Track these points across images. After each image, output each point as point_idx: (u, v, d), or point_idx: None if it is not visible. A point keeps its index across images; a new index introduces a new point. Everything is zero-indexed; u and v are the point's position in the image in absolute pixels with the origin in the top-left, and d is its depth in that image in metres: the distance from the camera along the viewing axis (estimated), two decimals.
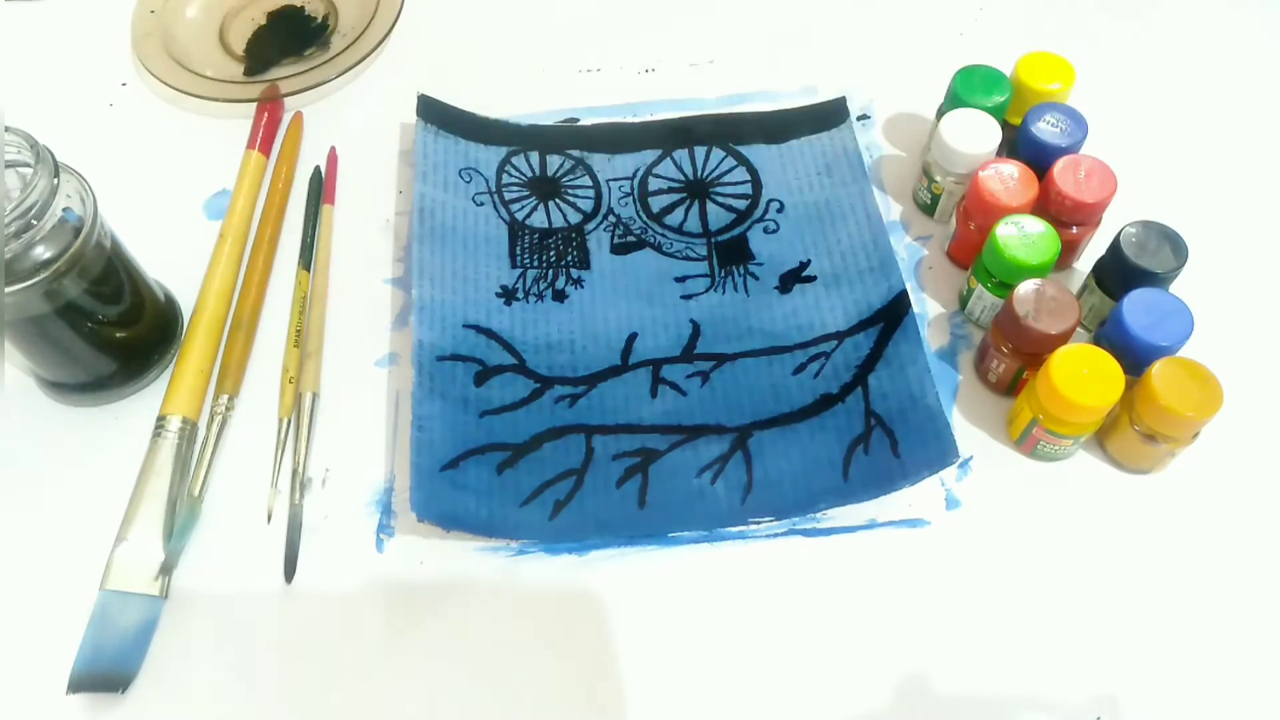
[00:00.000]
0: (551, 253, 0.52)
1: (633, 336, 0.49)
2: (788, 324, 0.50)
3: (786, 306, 0.50)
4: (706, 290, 0.51)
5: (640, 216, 0.54)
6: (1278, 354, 0.49)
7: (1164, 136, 0.57)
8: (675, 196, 0.55)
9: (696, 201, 0.55)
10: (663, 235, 0.53)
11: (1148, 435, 0.43)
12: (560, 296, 0.51)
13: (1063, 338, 0.44)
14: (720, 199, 0.55)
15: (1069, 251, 0.50)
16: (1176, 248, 0.45)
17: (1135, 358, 0.43)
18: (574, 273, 0.52)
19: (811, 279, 0.51)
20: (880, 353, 0.48)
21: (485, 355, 0.48)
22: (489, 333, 0.49)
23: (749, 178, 0.55)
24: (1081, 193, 0.47)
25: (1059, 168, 0.47)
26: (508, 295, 0.51)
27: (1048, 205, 0.48)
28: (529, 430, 0.46)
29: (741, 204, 0.54)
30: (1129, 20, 0.63)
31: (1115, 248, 0.46)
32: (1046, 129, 0.50)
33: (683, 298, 0.51)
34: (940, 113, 0.54)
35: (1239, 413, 0.43)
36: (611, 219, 0.54)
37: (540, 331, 0.49)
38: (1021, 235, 0.46)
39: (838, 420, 0.46)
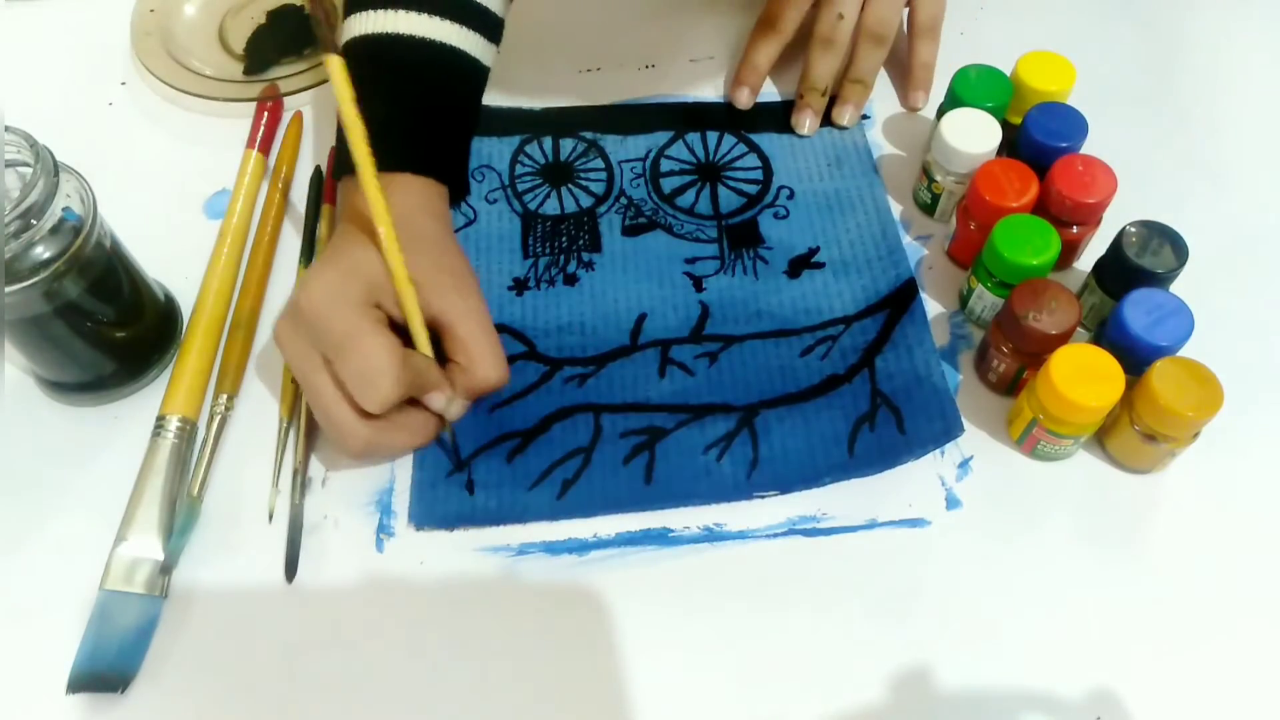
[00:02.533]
0: (563, 238, 0.53)
1: (642, 317, 0.50)
2: (796, 308, 0.50)
3: (795, 291, 0.51)
4: (716, 272, 0.52)
5: (652, 198, 0.55)
6: (1278, 354, 0.49)
7: (1164, 136, 0.57)
8: (687, 178, 0.55)
9: (708, 184, 0.55)
10: (673, 216, 0.54)
11: (1148, 435, 0.43)
12: (571, 280, 0.51)
13: (1063, 338, 0.44)
14: (731, 183, 0.55)
15: (1069, 251, 0.50)
16: (1176, 248, 0.45)
17: (1135, 358, 0.43)
18: (585, 256, 0.52)
19: (820, 265, 0.52)
20: (888, 336, 0.48)
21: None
22: (500, 327, 0.49)
23: (760, 164, 0.56)
24: (1081, 193, 0.47)
25: (1059, 168, 0.47)
26: (519, 286, 0.51)
27: (1048, 205, 0.48)
28: (539, 413, 0.47)
29: (752, 189, 0.55)
30: (1129, 20, 0.63)
31: (1115, 248, 0.46)
32: (1047, 129, 0.49)
33: (692, 279, 0.51)
34: (940, 113, 0.54)
35: (1239, 413, 0.43)
36: (623, 200, 0.55)
37: (551, 316, 0.50)
38: (1021, 235, 0.46)
39: (844, 399, 0.47)
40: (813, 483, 0.44)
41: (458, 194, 0.51)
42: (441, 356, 0.44)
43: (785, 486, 0.44)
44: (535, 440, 0.46)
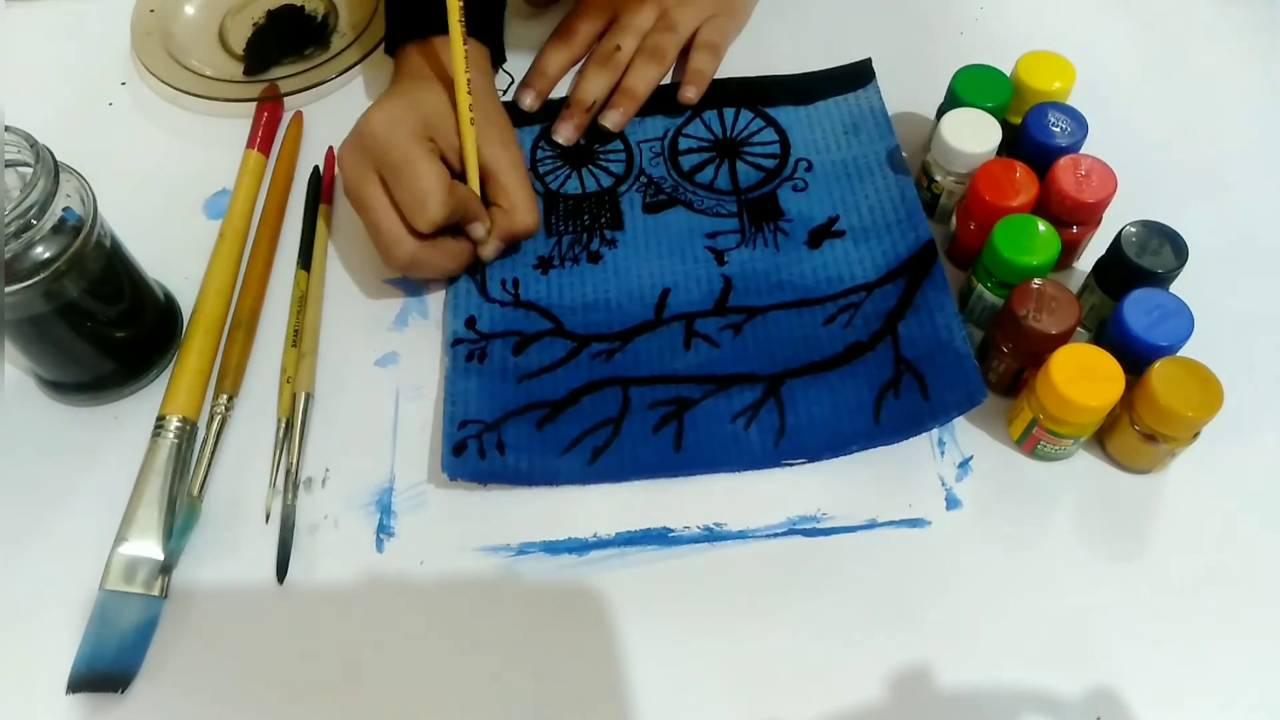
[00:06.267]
0: (585, 216, 0.54)
1: (665, 291, 0.51)
2: (817, 277, 0.51)
3: (816, 260, 0.51)
4: (737, 246, 0.52)
5: (671, 175, 0.55)
6: (1278, 354, 0.49)
7: (1164, 136, 0.57)
8: (705, 155, 0.56)
9: (726, 161, 0.56)
10: (693, 192, 0.54)
11: (1148, 435, 0.43)
12: (595, 258, 0.52)
13: (1063, 338, 0.44)
14: (749, 158, 0.56)
15: (1069, 251, 0.50)
16: (1176, 248, 0.45)
17: (1135, 358, 0.43)
18: (608, 233, 0.53)
19: (840, 234, 0.52)
20: (910, 301, 0.49)
21: (523, 326, 0.49)
22: (527, 304, 0.50)
23: (777, 138, 0.56)
24: (1081, 193, 0.47)
25: (1059, 168, 0.47)
26: (544, 264, 0.52)
27: (1048, 205, 0.48)
28: (568, 386, 0.47)
29: (770, 163, 0.55)
30: (1129, 20, 0.63)
31: (1115, 248, 0.46)
32: (1047, 129, 0.50)
33: (714, 253, 0.52)
34: (940, 113, 0.54)
35: (1239, 413, 0.43)
36: (643, 179, 0.55)
37: (576, 293, 0.51)
38: (1021, 235, 0.46)
39: (868, 367, 0.47)
40: (840, 450, 0.45)
41: (497, 60, 0.56)
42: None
43: (813, 454, 0.45)
44: (565, 411, 0.47)
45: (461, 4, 0.46)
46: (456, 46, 0.47)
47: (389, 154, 0.45)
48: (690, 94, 0.58)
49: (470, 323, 0.49)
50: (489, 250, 0.49)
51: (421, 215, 0.45)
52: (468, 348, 0.48)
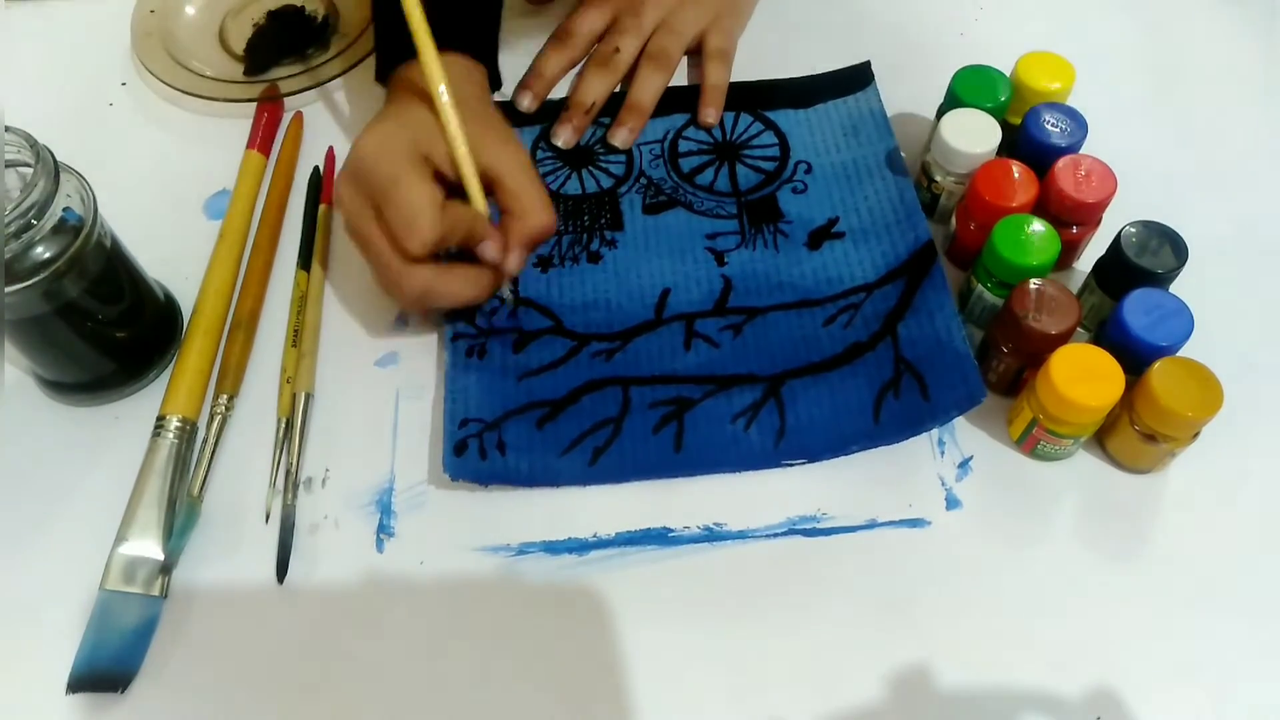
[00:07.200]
0: (585, 217, 0.54)
1: (665, 292, 0.51)
2: (817, 278, 0.51)
3: (816, 262, 0.51)
4: (737, 247, 0.52)
5: (671, 176, 0.55)
6: (1278, 354, 0.49)
7: (1164, 136, 0.57)
8: (705, 158, 0.56)
9: (726, 163, 0.56)
10: (693, 194, 0.55)
11: (1148, 435, 0.43)
12: (595, 258, 0.52)
13: (1063, 338, 0.44)
14: (749, 161, 0.56)
15: (1069, 251, 0.50)
16: (1176, 248, 0.45)
17: (1135, 358, 0.43)
18: (607, 234, 0.53)
19: (840, 235, 0.52)
20: (909, 302, 0.49)
21: (522, 323, 0.49)
22: (526, 301, 0.50)
23: (776, 141, 0.57)
24: (1081, 193, 0.47)
25: (1059, 168, 0.47)
26: (544, 263, 0.52)
27: (1048, 205, 0.48)
28: (568, 385, 0.47)
29: (770, 165, 0.56)
30: (1128, 20, 0.63)
31: (1115, 248, 0.46)
32: (1046, 129, 0.50)
33: (713, 254, 0.52)
34: (940, 113, 0.54)
35: (1239, 413, 0.43)
36: (643, 181, 0.55)
37: (576, 293, 0.51)
38: (1021, 235, 0.46)
39: (868, 367, 0.47)
40: (840, 451, 0.45)
41: (493, 83, 0.53)
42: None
43: (813, 455, 0.45)
44: (565, 410, 0.47)
45: (427, 25, 0.44)
46: (428, 55, 0.44)
47: (378, 177, 0.42)
48: (711, 116, 0.57)
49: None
50: (513, 263, 0.46)
51: (413, 236, 0.41)
52: (467, 343, 0.48)
